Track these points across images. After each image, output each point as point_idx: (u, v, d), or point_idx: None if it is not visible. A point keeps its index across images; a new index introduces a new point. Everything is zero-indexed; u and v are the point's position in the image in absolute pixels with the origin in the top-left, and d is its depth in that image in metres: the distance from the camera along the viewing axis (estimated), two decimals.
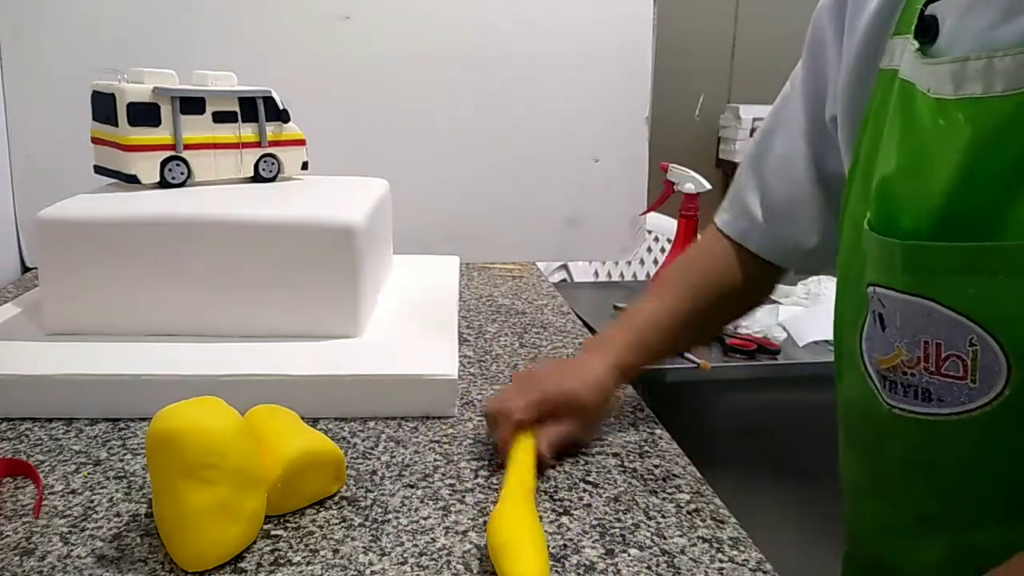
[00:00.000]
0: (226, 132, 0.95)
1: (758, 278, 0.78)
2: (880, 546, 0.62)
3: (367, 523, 0.58)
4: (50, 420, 0.73)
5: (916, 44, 0.54)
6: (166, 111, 0.90)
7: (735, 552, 0.57)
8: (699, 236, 1.46)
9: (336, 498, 0.62)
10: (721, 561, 0.56)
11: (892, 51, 0.58)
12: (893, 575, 0.61)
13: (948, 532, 0.56)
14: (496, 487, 0.64)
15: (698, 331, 0.81)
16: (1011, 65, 0.48)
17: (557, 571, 0.54)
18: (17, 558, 0.53)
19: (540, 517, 0.60)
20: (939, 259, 0.51)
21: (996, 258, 0.48)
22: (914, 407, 0.54)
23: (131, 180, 0.90)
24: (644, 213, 1.48)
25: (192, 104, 0.92)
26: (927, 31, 0.54)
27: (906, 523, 0.59)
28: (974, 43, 0.51)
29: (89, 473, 0.64)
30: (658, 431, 0.75)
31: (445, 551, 0.55)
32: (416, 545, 0.56)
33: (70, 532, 0.56)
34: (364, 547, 0.56)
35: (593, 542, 0.57)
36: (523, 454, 0.64)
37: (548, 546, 0.56)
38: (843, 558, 0.68)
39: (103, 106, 0.91)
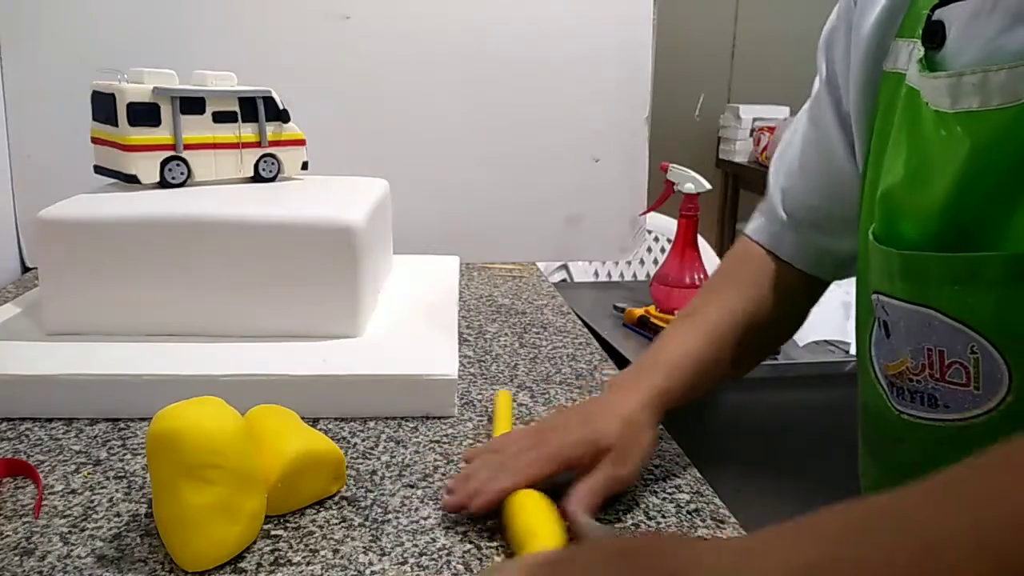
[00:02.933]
0: (226, 132, 0.95)
1: (796, 290, 0.73)
2: None
3: (367, 523, 0.58)
4: (50, 420, 0.73)
5: (922, 51, 0.54)
6: (166, 111, 0.90)
7: None
8: (700, 240, 1.46)
9: (336, 498, 0.62)
10: None
11: (896, 53, 0.58)
12: None
13: None
14: None
15: (740, 352, 0.70)
16: (1007, 79, 0.48)
17: None
18: (17, 558, 0.53)
19: None
20: (936, 269, 0.51)
21: (992, 268, 0.48)
22: (921, 413, 0.55)
23: (131, 180, 0.90)
24: (644, 213, 1.48)
25: (192, 104, 0.92)
26: (934, 36, 0.53)
27: None
28: (979, 52, 0.50)
29: (89, 473, 0.64)
30: (658, 431, 0.75)
31: (445, 551, 0.55)
32: (416, 545, 0.56)
33: (70, 532, 0.56)
34: (364, 547, 0.56)
35: None
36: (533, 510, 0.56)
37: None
38: None
39: (103, 106, 0.91)
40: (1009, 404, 0.49)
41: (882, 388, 0.58)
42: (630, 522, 0.60)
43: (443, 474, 0.66)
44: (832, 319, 1.38)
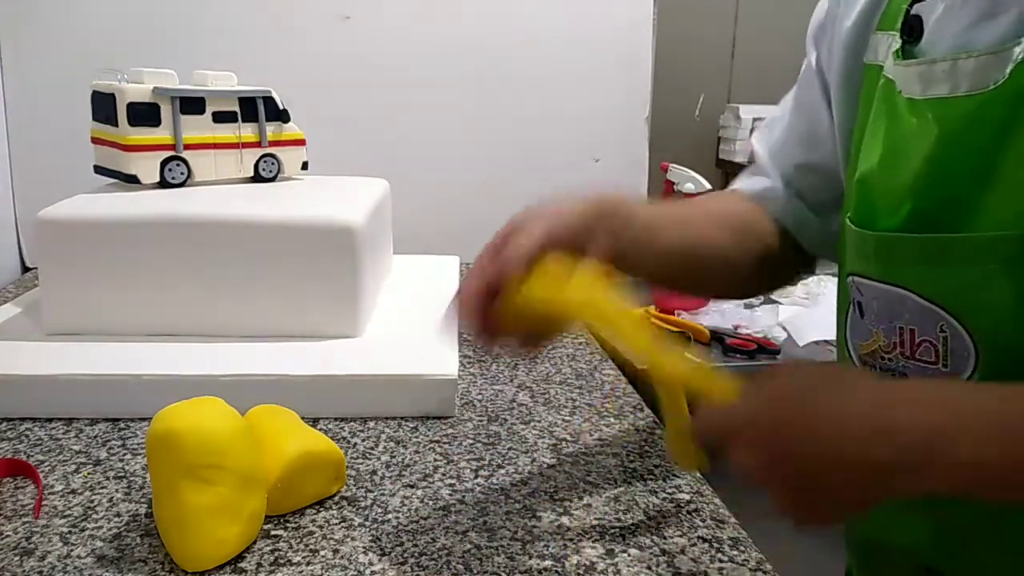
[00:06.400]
0: (226, 132, 0.95)
1: (775, 237, 0.70)
2: (873, 526, 0.64)
3: (367, 523, 0.58)
4: (50, 420, 0.73)
5: (899, 43, 0.56)
6: (166, 111, 0.90)
7: (735, 552, 0.57)
8: None
9: (336, 498, 0.62)
10: (721, 561, 0.56)
11: (876, 46, 0.60)
12: (886, 552, 0.63)
13: (930, 512, 0.57)
14: (496, 487, 0.64)
15: (716, 251, 0.67)
16: (975, 67, 0.49)
17: (557, 571, 0.54)
18: (17, 558, 0.53)
19: (540, 516, 0.60)
20: (909, 250, 0.53)
21: (960, 249, 0.50)
22: None
23: (131, 180, 0.90)
24: None
25: (192, 104, 0.92)
26: (912, 31, 0.56)
27: (893, 504, 0.60)
28: (951, 43, 0.52)
29: (89, 473, 0.64)
30: (658, 431, 0.75)
31: (445, 551, 0.55)
32: (416, 545, 0.56)
33: (70, 532, 0.56)
34: (364, 547, 0.56)
35: (593, 542, 0.57)
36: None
37: (549, 546, 0.56)
38: (845, 540, 0.69)
39: (103, 106, 0.91)
40: (975, 381, 0.51)
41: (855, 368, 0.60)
42: (630, 522, 0.60)
43: (443, 474, 0.66)
44: (832, 319, 1.38)
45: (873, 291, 0.56)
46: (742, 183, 0.76)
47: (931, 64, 0.52)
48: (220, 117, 0.94)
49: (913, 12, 0.56)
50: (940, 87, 0.52)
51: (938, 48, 0.54)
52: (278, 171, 1.01)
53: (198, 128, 0.93)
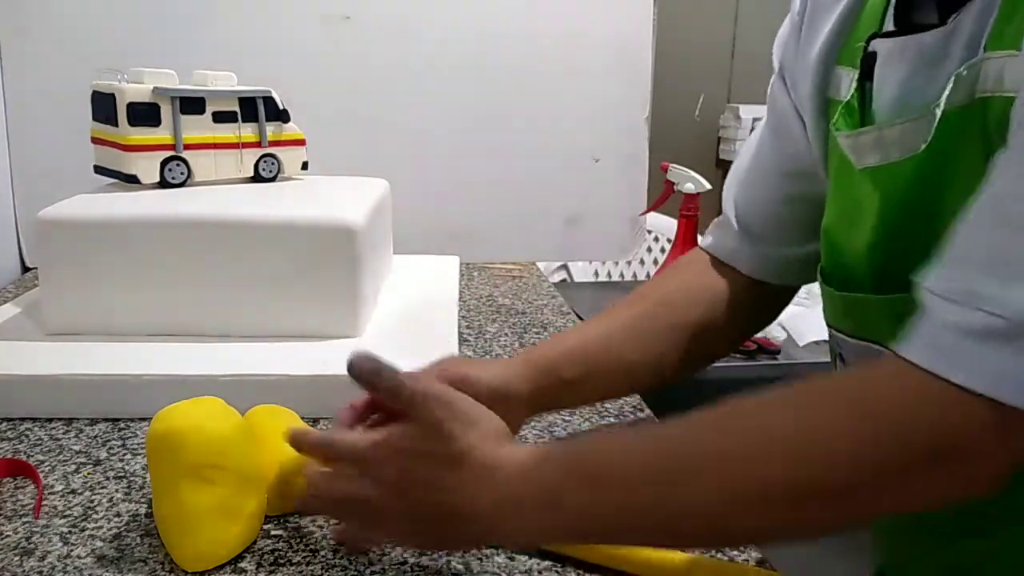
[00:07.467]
0: (226, 132, 0.95)
1: (749, 295, 0.69)
2: (887, 556, 0.65)
3: None
4: (50, 420, 0.73)
5: (855, 85, 0.55)
6: (166, 111, 0.90)
7: (735, 552, 0.57)
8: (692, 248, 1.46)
9: None
10: (721, 561, 0.56)
11: (838, 82, 0.58)
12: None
13: (939, 548, 0.58)
14: None
15: (674, 354, 0.66)
16: (900, 134, 0.50)
17: (557, 571, 0.54)
18: (17, 558, 0.53)
19: None
20: (875, 309, 0.53)
21: None
22: None
23: (131, 180, 0.90)
24: (644, 213, 1.48)
25: (192, 104, 0.92)
26: (870, 69, 0.55)
27: (906, 532, 0.61)
28: (893, 92, 0.52)
29: (89, 473, 0.64)
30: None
31: (444, 551, 0.55)
32: None
33: (70, 532, 0.56)
34: None
35: None
36: None
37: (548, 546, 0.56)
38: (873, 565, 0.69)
39: (103, 106, 0.91)
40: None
41: None
42: None
43: None
44: None
45: (850, 347, 0.57)
46: (708, 243, 0.72)
47: (858, 136, 0.53)
48: (220, 117, 0.94)
49: (871, 48, 0.54)
50: (872, 156, 0.52)
51: (882, 94, 0.53)
52: (278, 171, 1.01)
53: (198, 128, 0.93)
